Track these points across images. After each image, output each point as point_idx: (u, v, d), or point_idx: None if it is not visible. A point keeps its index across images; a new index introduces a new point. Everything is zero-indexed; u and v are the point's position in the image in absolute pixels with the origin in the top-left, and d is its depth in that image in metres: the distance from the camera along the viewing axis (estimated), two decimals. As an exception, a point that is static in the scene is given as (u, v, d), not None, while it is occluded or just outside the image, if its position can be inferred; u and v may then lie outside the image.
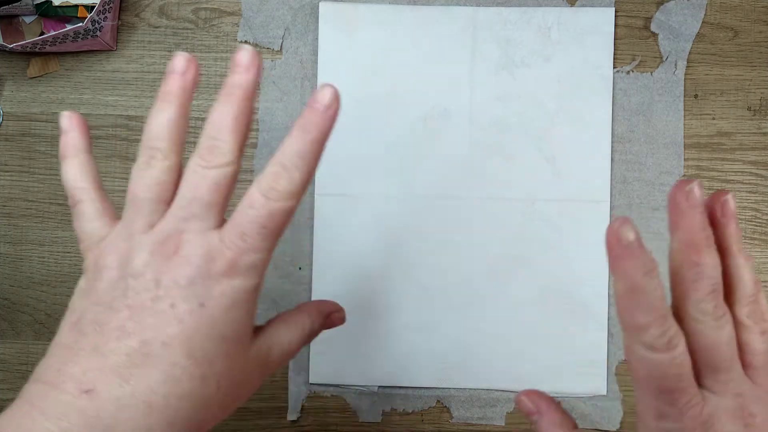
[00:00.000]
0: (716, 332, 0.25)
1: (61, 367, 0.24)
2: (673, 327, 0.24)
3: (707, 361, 0.25)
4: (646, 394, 0.25)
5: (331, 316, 0.34)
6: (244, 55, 0.27)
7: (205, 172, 0.26)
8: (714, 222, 0.27)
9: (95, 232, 0.28)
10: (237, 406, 0.28)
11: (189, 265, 0.25)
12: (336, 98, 0.27)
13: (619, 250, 0.24)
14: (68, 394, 0.24)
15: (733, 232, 0.27)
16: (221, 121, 0.27)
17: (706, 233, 0.25)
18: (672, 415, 0.25)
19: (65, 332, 0.26)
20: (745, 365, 0.26)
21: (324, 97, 0.27)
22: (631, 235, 0.24)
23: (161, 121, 0.27)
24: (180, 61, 0.28)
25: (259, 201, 0.26)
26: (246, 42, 0.49)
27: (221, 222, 0.27)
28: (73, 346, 0.25)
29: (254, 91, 0.28)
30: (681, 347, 0.24)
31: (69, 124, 0.30)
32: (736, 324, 0.26)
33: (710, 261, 0.25)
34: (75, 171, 0.30)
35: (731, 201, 0.27)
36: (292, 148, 0.26)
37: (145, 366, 0.24)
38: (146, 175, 0.27)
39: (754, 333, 0.26)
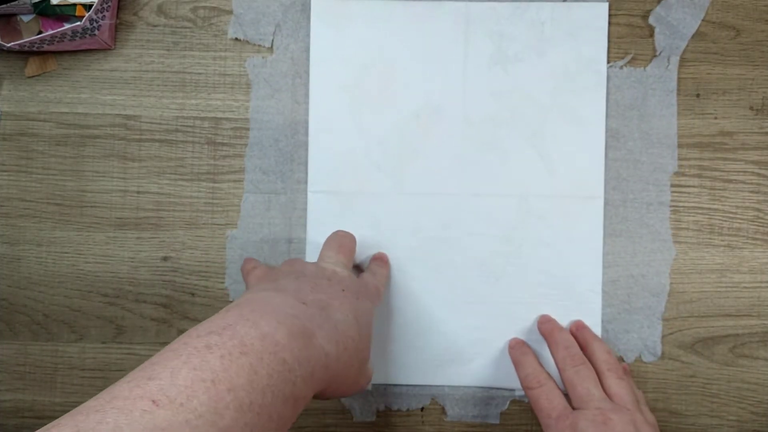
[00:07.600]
0: (575, 374, 0.42)
1: (300, 287, 0.37)
2: (543, 374, 0.44)
3: (574, 393, 0.41)
4: (538, 415, 0.42)
5: None
6: None
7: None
8: (576, 333, 0.46)
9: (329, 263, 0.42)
10: (351, 388, 0.38)
11: (344, 279, 0.40)
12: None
13: (518, 348, 0.47)
14: (304, 304, 0.35)
15: (585, 333, 0.46)
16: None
17: (560, 331, 0.46)
18: (551, 425, 0.40)
19: (289, 279, 0.38)
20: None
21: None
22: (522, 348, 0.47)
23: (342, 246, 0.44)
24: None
25: (374, 269, 0.46)
26: (237, 39, 0.48)
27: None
28: (294, 292, 0.37)
29: None
30: (548, 385, 0.43)
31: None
32: (600, 375, 0.42)
33: (564, 335, 0.45)
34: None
35: (576, 324, 0.47)
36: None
37: (329, 310, 0.36)
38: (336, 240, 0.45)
39: (612, 379, 0.42)
